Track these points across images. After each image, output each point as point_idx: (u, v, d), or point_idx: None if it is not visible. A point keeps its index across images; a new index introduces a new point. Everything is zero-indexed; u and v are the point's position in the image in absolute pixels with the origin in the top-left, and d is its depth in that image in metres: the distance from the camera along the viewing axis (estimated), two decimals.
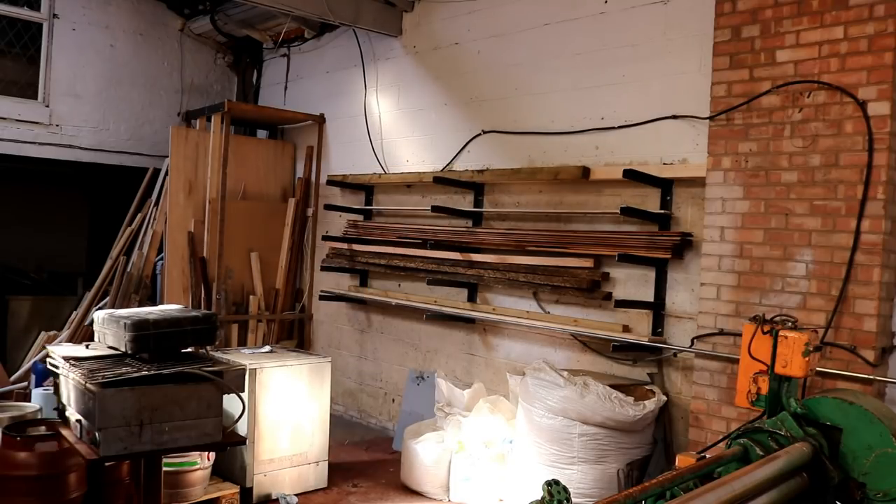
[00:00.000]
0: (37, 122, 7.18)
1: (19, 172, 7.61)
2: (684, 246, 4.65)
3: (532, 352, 5.47)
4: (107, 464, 3.69)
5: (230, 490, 4.72)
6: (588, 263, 5.04)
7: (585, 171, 5.08)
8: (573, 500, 2.08)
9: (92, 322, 4.38)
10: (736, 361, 3.80)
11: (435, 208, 5.90)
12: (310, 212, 7.52)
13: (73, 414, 3.66)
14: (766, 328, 3.13)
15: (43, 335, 7.00)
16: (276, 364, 4.93)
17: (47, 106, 7.26)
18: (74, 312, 7.15)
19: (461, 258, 5.81)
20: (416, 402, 6.12)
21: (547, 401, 4.51)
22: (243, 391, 3.73)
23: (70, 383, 3.63)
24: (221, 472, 4.84)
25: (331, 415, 5.28)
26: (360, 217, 7.00)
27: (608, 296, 4.98)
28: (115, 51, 7.63)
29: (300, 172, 7.65)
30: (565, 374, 4.59)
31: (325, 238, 7.08)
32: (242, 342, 7.08)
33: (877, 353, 3.75)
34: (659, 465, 4.46)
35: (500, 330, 5.76)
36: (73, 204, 9.00)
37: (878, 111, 3.75)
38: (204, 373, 3.53)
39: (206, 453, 4.50)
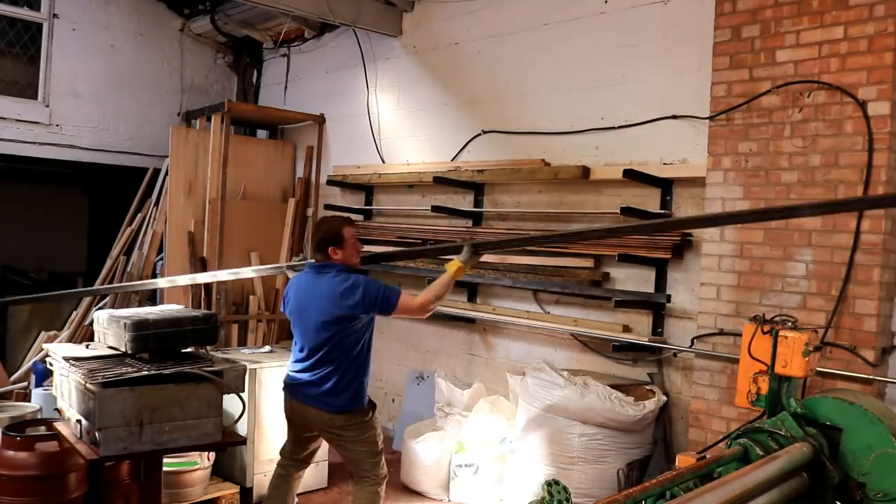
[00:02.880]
0: (37, 122, 7.17)
1: (19, 172, 7.61)
2: (684, 246, 4.65)
3: (532, 352, 5.47)
4: (107, 464, 3.70)
5: (230, 490, 4.72)
6: (588, 263, 5.04)
7: (585, 171, 5.08)
8: (573, 500, 2.08)
9: (92, 322, 4.38)
10: (736, 361, 3.79)
11: (435, 208, 5.90)
12: (310, 212, 7.52)
13: (73, 414, 3.66)
14: (766, 328, 3.13)
15: (43, 335, 7.00)
16: (276, 364, 4.93)
17: (47, 106, 7.25)
18: (74, 312, 7.14)
19: None
20: (416, 402, 6.12)
21: (547, 401, 4.51)
22: (243, 391, 3.73)
23: (70, 383, 3.63)
24: (221, 472, 4.84)
25: None
26: (360, 217, 6.99)
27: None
28: (116, 51, 7.62)
29: (300, 172, 7.65)
30: (565, 373, 4.59)
31: None
32: (242, 342, 7.07)
33: (877, 353, 3.75)
34: (659, 465, 4.46)
35: (500, 330, 5.76)
36: (73, 204, 9.00)
37: (878, 111, 3.75)
38: (204, 373, 3.53)
39: (206, 453, 4.50)
